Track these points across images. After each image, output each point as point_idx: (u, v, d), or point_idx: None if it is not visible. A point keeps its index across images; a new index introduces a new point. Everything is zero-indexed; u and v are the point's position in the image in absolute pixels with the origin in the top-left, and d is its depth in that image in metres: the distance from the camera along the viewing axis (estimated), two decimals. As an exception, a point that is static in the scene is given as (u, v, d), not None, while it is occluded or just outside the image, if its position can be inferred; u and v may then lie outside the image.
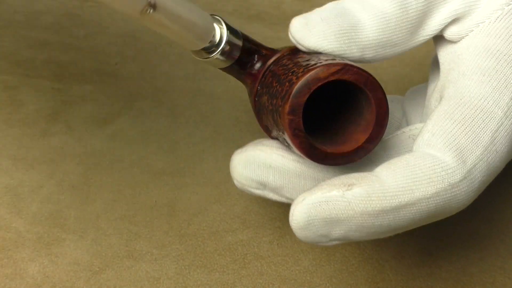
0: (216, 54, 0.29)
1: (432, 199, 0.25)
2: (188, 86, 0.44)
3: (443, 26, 0.29)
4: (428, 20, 0.29)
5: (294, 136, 0.26)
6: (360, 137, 0.27)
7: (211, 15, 0.30)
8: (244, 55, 0.30)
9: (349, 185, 0.25)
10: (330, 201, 0.25)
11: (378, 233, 0.26)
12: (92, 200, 0.36)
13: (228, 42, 0.29)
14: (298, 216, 0.25)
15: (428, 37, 0.30)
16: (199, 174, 0.38)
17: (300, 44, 0.28)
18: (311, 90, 0.26)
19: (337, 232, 0.25)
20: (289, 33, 0.29)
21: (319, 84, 0.26)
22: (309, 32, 0.28)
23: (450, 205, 0.26)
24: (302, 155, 0.27)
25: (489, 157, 0.26)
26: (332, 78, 0.26)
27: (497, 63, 0.28)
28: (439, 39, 0.31)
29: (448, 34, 0.30)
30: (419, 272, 0.34)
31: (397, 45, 0.29)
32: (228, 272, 0.33)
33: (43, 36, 0.49)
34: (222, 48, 0.29)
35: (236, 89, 0.44)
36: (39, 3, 0.51)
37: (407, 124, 0.34)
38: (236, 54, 0.30)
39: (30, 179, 0.37)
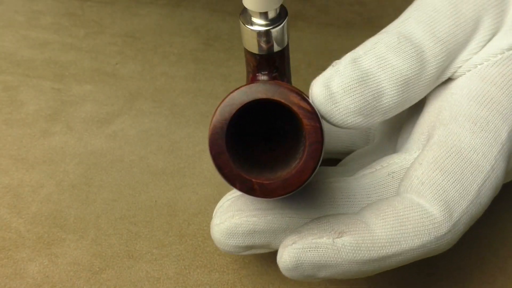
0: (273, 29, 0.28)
1: (417, 250, 0.26)
2: (188, 86, 0.44)
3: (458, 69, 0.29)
4: (446, 70, 0.29)
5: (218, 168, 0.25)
6: (292, 166, 0.26)
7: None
8: (271, 60, 0.29)
9: (339, 233, 0.26)
10: (319, 248, 0.26)
11: (362, 275, 0.27)
12: (92, 200, 0.36)
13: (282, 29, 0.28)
14: (286, 259, 0.26)
15: (441, 81, 0.29)
16: (199, 174, 0.38)
17: (325, 119, 0.28)
18: (228, 118, 0.25)
19: (323, 274, 0.26)
20: (310, 98, 0.28)
21: (236, 108, 0.25)
22: (334, 108, 0.27)
23: (433, 252, 0.27)
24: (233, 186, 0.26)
25: (473, 210, 0.27)
26: (250, 100, 0.25)
27: (489, 113, 0.28)
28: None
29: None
30: (419, 272, 0.34)
31: (415, 99, 0.29)
32: (228, 272, 0.33)
33: (43, 36, 0.49)
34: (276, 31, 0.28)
35: (236, 89, 0.44)
36: (39, 3, 0.51)
37: (374, 138, 0.34)
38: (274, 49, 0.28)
39: (30, 179, 0.37)
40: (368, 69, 0.27)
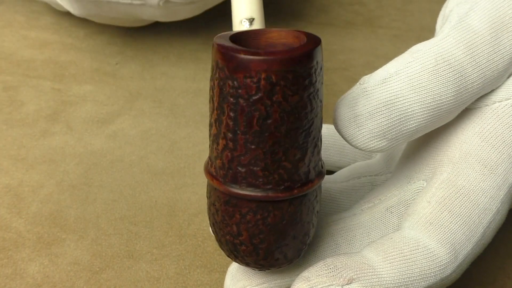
0: None
1: None
2: (188, 86, 0.44)
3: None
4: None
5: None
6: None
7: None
8: None
9: (348, 279, 0.25)
10: None
11: None
12: (92, 200, 0.36)
13: None
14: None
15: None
16: (199, 174, 0.38)
17: (347, 140, 0.27)
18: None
19: None
20: (334, 124, 0.28)
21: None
22: (357, 131, 0.27)
23: None
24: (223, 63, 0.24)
25: (476, 250, 0.27)
26: None
27: (500, 156, 0.28)
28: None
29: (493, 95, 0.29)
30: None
31: (442, 123, 0.28)
32: (228, 272, 0.33)
33: (43, 36, 0.49)
34: None
35: (236, 89, 0.44)
36: (39, 3, 0.51)
37: (376, 155, 0.34)
38: None
39: (30, 179, 0.37)
40: (398, 91, 0.27)
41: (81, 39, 0.48)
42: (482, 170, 0.28)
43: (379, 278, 0.26)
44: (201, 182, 0.38)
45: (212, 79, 0.25)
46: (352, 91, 0.27)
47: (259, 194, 0.25)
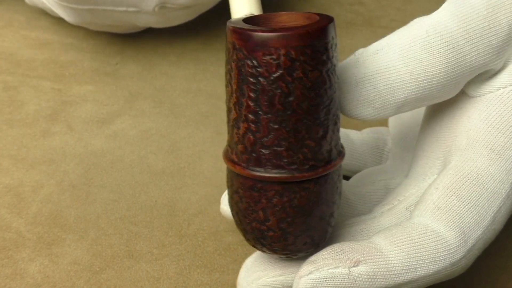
0: None
1: (432, 276, 0.26)
2: (188, 86, 0.44)
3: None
4: (473, 76, 0.28)
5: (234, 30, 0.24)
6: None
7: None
8: None
9: (355, 262, 0.25)
10: (336, 278, 0.25)
11: None
12: (92, 200, 0.36)
13: None
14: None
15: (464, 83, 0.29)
16: (199, 174, 0.38)
17: (340, 109, 0.28)
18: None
19: None
20: None
21: None
22: (344, 98, 0.27)
23: (447, 277, 0.27)
24: (240, 45, 0.24)
25: (487, 236, 0.27)
26: None
27: (508, 141, 0.28)
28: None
29: (470, 88, 0.29)
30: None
31: (435, 98, 0.28)
32: (228, 272, 0.33)
33: (43, 36, 0.49)
34: None
35: (236, 89, 0.44)
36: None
37: (387, 159, 0.34)
38: None
39: (30, 179, 0.37)
40: (388, 61, 0.27)
41: (81, 39, 0.48)
42: (489, 154, 0.28)
43: (386, 260, 0.25)
44: (201, 182, 0.38)
45: (228, 62, 0.25)
46: (345, 61, 0.28)
47: (284, 175, 0.25)
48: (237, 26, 0.24)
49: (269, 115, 0.24)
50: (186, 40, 0.48)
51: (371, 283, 0.25)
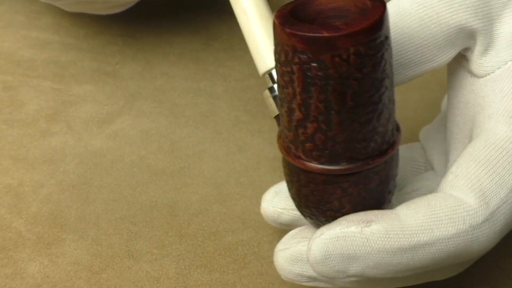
0: (272, 94, 0.29)
1: (452, 239, 0.25)
2: (188, 86, 0.44)
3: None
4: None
5: (287, 30, 0.23)
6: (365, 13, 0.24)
7: None
8: None
9: (367, 222, 0.25)
10: (348, 237, 0.25)
11: (395, 271, 0.25)
12: (92, 200, 0.36)
13: None
14: (315, 250, 0.25)
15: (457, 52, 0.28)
16: (199, 174, 0.38)
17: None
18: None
19: (354, 268, 0.25)
20: None
21: None
22: None
23: (471, 247, 0.25)
24: (302, 46, 0.23)
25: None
26: None
27: None
28: (458, 77, 0.30)
29: (474, 67, 0.28)
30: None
31: (423, 63, 0.28)
32: (228, 272, 0.33)
33: (43, 36, 0.49)
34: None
35: (236, 89, 0.44)
36: (39, 3, 0.51)
37: (432, 168, 0.33)
38: None
39: (30, 179, 0.37)
40: None
41: (81, 39, 0.48)
42: (507, 120, 0.27)
43: (400, 220, 0.25)
44: (201, 182, 0.38)
45: (287, 65, 0.24)
46: None
47: (359, 165, 0.25)
48: (295, 27, 0.23)
49: (341, 113, 0.24)
50: (186, 40, 0.48)
51: (384, 242, 0.25)
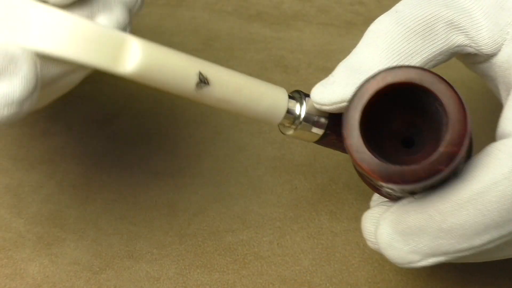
0: (299, 126, 0.28)
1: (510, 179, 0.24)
2: (188, 86, 0.44)
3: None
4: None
5: (359, 161, 0.24)
6: (439, 142, 0.24)
7: (296, 90, 0.29)
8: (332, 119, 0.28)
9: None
10: (411, 211, 0.25)
11: (467, 236, 0.24)
12: (92, 200, 0.36)
13: (308, 113, 0.28)
14: (382, 233, 0.26)
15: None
16: (199, 174, 0.38)
17: (319, 104, 0.27)
18: (362, 106, 0.24)
19: (424, 243, 0.25)
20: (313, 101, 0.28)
21: (368, 96, 0.24)
22: (324, 89, 0.27)
23: None
24: (378, 179, 0.24)
25: None
26: (382, 86, 0.24)
27: None
28: (479, 70, 0.29)
29: (482, 46, 0.28)
30: (419, 272, 0.34)
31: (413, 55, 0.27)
32: (228, 272, 0.33)
33: (43, 36, 0.48)
34: (305, 118, 0.28)
35: (236, 89, 0.44)
36: (39, 3, 0.51)
37: None
38: (324, 121, 0.28)
39: (30, 179, 0.37)
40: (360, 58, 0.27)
41: (81, 39, 0.48)
42: None
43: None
44: (201, 182, 0.38)
45: (364, 176, 0.27)
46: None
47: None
48: (374, 169, 0.24)
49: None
50: (186, 40, 0.48)
51: (439, 202, 0.25)
